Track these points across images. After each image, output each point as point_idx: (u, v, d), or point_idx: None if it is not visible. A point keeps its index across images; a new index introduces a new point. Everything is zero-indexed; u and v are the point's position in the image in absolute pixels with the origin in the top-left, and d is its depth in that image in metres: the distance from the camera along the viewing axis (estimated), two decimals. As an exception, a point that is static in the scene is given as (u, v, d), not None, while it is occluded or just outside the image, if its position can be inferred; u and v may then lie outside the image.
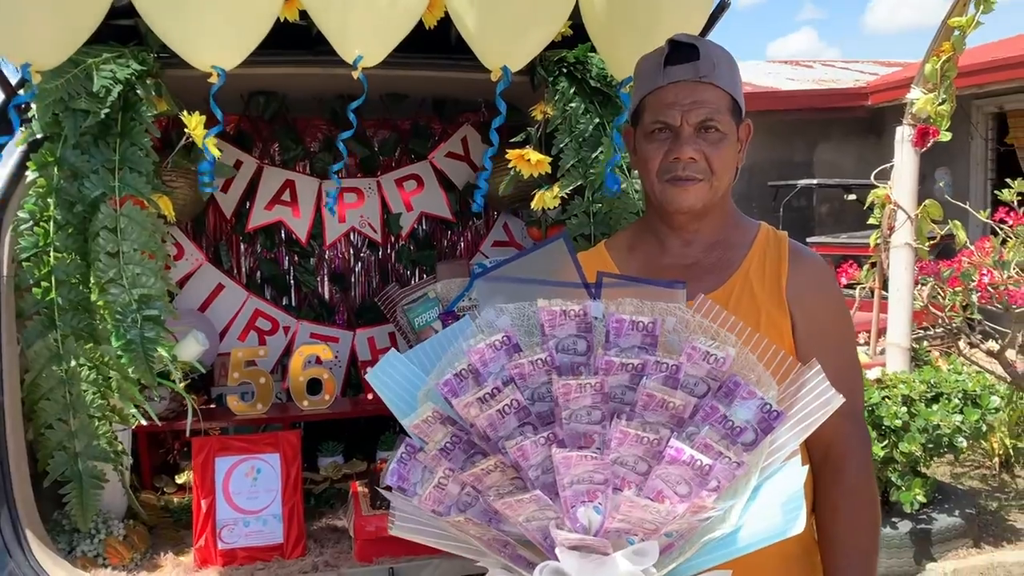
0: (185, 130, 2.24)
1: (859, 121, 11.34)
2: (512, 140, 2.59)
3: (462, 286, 3.16)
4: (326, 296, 3.56)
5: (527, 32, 2.14)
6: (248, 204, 3.38)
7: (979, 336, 5.07)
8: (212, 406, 3.25)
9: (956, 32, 4.49)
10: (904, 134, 4.64)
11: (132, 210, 2.23)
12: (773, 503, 1.11)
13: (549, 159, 2.48)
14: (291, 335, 3.40)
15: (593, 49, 2.53)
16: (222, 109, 2.12)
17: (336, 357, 3.26)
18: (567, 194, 2.58)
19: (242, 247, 3.46)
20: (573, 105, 2.53)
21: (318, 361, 3.15)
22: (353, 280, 3.58)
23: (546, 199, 2.57)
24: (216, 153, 2.15)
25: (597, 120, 2.54)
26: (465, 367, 1.19)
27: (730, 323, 1.21)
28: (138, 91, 2.29)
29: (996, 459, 5.54)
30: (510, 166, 2.54)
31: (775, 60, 13.29)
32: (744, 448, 1.11)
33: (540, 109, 2.60)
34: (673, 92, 1.43)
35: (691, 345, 1.15)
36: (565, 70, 2.53)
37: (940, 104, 4.59)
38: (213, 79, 2.05)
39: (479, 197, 2.43)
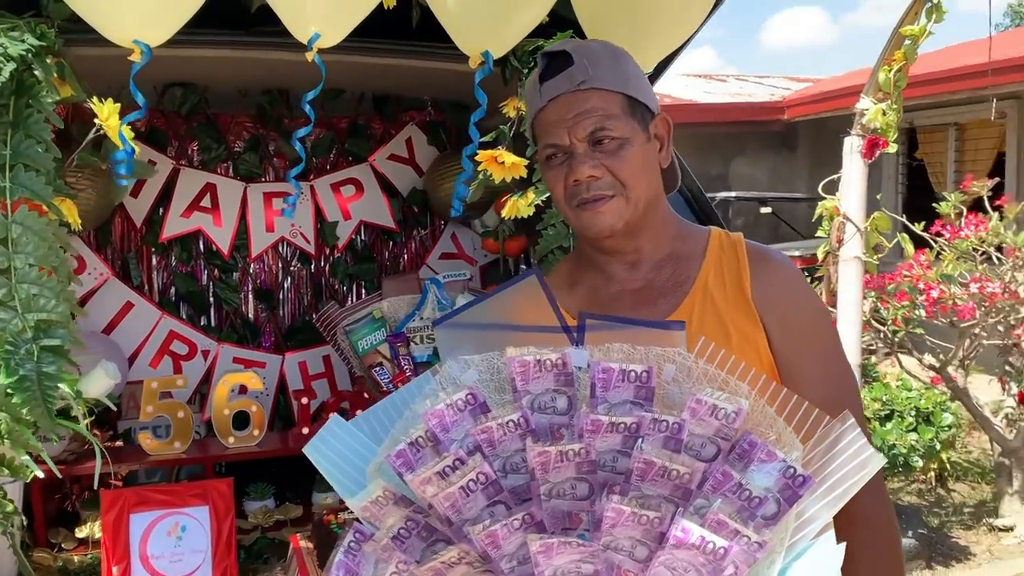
0: (95, 121, 1.86)
1: (773, 135, 11.47)
2: (482, 140, 2.27)
3: (411, 304, 2.82)
4: (251, 315, 3.16)
5: (512, 14, 1.85)
6: (162, 211, 2.96)
7: (905, 350, 5.04)
8: (119, 444, 2.83)
9: (907, 41, 4.40)
10: (853, 145, 4.53)
11: (28, 216, 1.82)
12: None
13: (526, 162, 2.18)
14: (211, 360, 3.00)
15: (573, 38, 2.25)
16: (132, 102, 1.77)
17: (264, 386, 2.87)
18: (542, 202, 2.28)
19: (154, 260, 3.03)
20: (550, 101, 2.23)
21: (243, 391, 2.76)
22: (281, 297, 3.20)
23: (520, 207, 2.26)
24: (134, 146, 1.77)
25: (577, 119, 2.25)
26: (422, 434, 1.01)
27: (740, 369, 1.04)
28: (36, 72, 1.88)
29: (931, 473, 5.51)
30: (480, 169, 2.22)
31: (689, 73, 13.39)
32: (765, 523, 0.95)
33: (513, 105, 2.30)
34: (554, 109, 1.26)
35: (695, 398, 0.99)
36: (542, 62, 2.23)
37: (890, 115, 4.50)
38: (135, 57, 1.70)
39: (457, 202, 2.11)
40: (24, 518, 2.09)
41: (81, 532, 2.53)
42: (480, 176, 2.29)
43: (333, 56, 1.89)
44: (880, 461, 0.99)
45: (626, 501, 0.93)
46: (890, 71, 4.31)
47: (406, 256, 3.30)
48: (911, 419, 4.01)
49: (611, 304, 1.31)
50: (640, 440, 0.98)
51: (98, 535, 2.53)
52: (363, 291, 3.24)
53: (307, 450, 1.10)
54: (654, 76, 2.35)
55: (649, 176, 1.26)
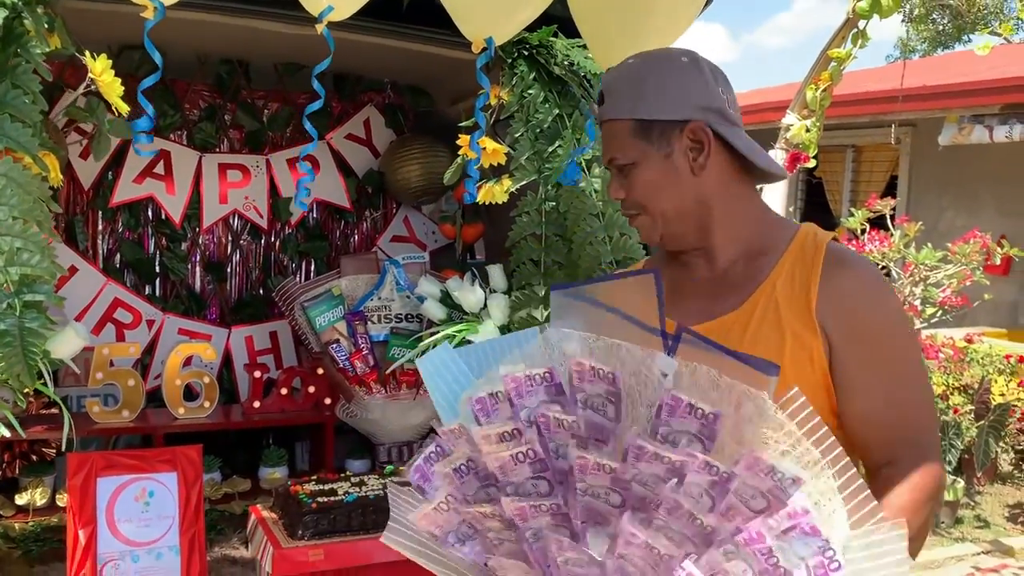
0: (90, 76, 1.82)
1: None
2: (461, 124, 2.32)
3: (369, 284, 2.84)
4: (197, 287, 3.11)
5: (516, 5, 1.90)
6: (112, 175, 2.88)
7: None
8: (54, 412, 2.75)
9: (833, 63, 4.65)
10: (776, 158, 4.76)
11: (12, 168, 1.77)
12: None
13: (506, 149, 2.24)
14: (156, 330, 2.94)
15: (556, 34, 2.33)
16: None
17: (216, 358, 2.83)
18: (516, 190, 2.35)
19: (100, 224, 2.95)
20: (532, 92, 2.31)
21: (187, 363, 2.74)
22: (230, 270, 3.15)
23: (495, 193, 2.31)
24: (147, 107, 1.74)
25: (556, 111, 2.33)
26: (501, 390, 1.02)
27: (821, 433, 0.97)
28: (25, 21, 1.83)
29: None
30: (459, 154, 2.27)
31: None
32: None
33: (495, 93, 2.34)
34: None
35: (754, 455, 0.94)
36: (526, 53, 2.30)
37: (812, 131, 4.74)
38: (148, 14, 1.66)
39: (472, 187, 2.14)
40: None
41: (21, 499, 2.45)
42: (459, 160, 2.33)
43: (299, 30, 1.87)
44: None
45: (646, 527, 0.93)
46: (817, 90, 4.56)
47: (357, 236, 3.31)
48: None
49: (687, 295, 1.33)
50: (674, 481, 0.96)
51: (40, 502, 2.47)
52: (313, 268, 3.23)
53: (419, 363, 1.10)
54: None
55: (673, 190, 1.27)
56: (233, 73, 3.00)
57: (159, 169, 2.93)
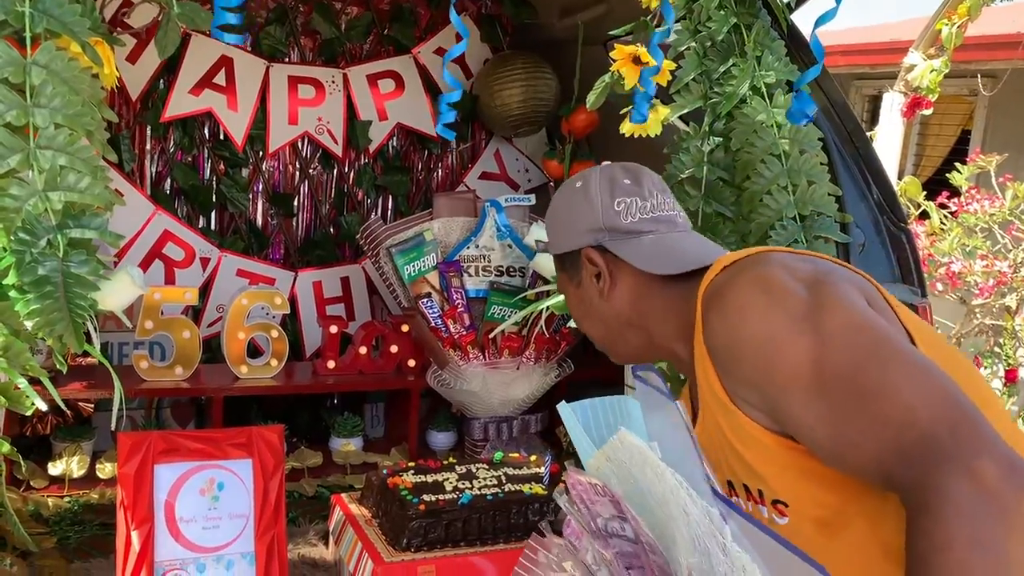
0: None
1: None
2: (613, 32, 1.84)
3: (466, 228, 2.39)
4: (259, 222, 2.67)
5: None
6: (166, 84, 2.43)
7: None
8: (93, 361, 2.34)
9: (971, -5, 4.10)
10: (894, 102, 4.24)
11: (55, 57, 1.34)
12: None
13: (673, 66, 1.77)
14: (211, 270, 2.51)
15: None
16: None
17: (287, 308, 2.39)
18: (675, 120, 1.88)
19: (150, 143, 2.50)
20: (704, -6, 1.82)
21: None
22: (297, 204, 2.71)
23: (648, 123, 1.84)
24: None
25: (733, 20, 1.85)
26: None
27: None
28: None
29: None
30: (612, 69, 1.79)
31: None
32: None
33: (648, -6, 1.86)
34: None
35: None
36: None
37: (937, 73, 4.23)
38: None
39: (643, 112, 1.68)
40: None
41: (55, 468, 2.06)
42: (606, 79, 1.86)
43: None
44: None
45: None
46: (952, 25, 4.02)
47: (441, 171, 2.85)
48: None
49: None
50: None
51: (77, 473, 2.08)
52: (391, 206, 2.78)
53: (561, 408, 0.95)
54: None
55: (594, 313, 1.23)
56: (308, -32, 2.51)
57: (219, 79, 2.47)
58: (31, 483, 2.02)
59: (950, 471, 0.81)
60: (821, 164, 1.85)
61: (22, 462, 1.97)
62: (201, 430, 1.86)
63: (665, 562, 0.83)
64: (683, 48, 1.87)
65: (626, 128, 1.87)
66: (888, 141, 4.25)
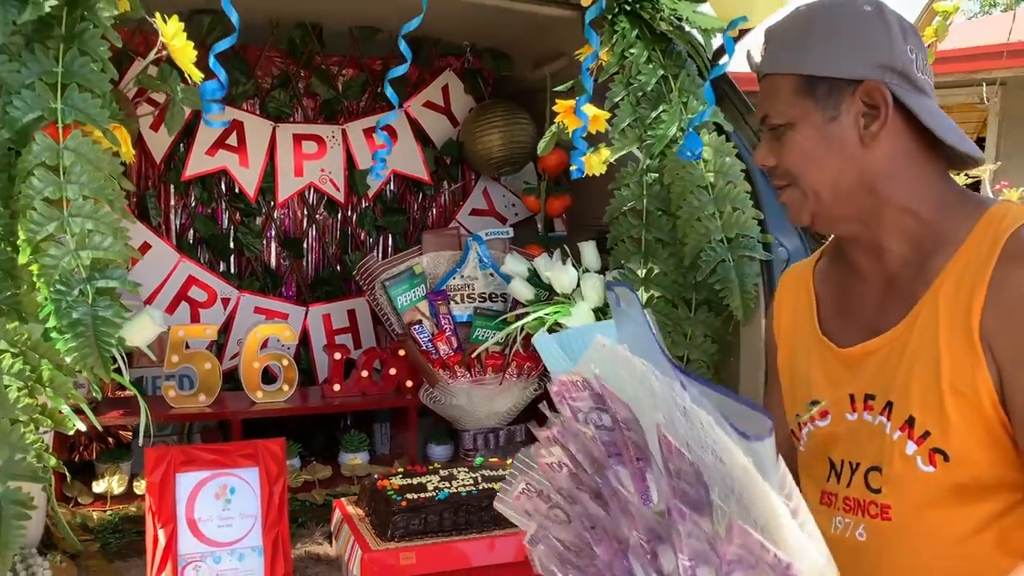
0: (161, 40, 1.68)
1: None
2: (557, 89, 2.13)
3: (451, 261, 2.68)
4: (273, 264, 2.99)
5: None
6: (185, 147, 2.76)
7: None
8: (130, 394, 2.66)
9: (938, 18, 4.32)
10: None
11: (82, 143, 1.64)
12: None
13: (608, 115, 2.05)
14: (231, 308, 2.83)
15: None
16: (153, 28, 1.60)
17: (295, 339, 2.70)
18: (615, 160, 2.15)
19: (173, 199, 2.84)
20: (634, 52, 2.10)
21: (264, 345, 2.61)
22: (306, 246, 3.02)
23: (592, 163, 2.12)
24: (219, 73, 1.60)
25: (661, 72, 2.12)
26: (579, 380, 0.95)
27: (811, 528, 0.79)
28: (92, -19, 1.69)
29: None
30: (555, 121, 2.08)
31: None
32: None
33: (590, 52, 2.14)
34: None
35: (740, 526, 0.80)
36: (628, 8, 2.09)
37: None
38: (225, -31, 1.50)
39: (579, 160, 1.95)
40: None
41: (98, 486, 2.37)
42: (552, 129, 2.14)
43: None
44: None
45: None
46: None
47: (435, 210, 3.15)
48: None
49: (854, 305, 1.16)
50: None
51: (118, 490, 2.38)
52: (391, 244, 3.08)
53: (536, 341, 1.04)
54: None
55: (831, 160, 1.08)
56: (307, 38, 2.85)
57: (232, 140, 2.80)
58: (78, 499, 2.33)
59: None
60: (745, 192, 2.11)
61: (70, 480, 2.30)
62: (214, 444, 2.15)
63: (641, 439, 0.90)
64: (618, 99, 2.14)
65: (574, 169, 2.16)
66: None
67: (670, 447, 0.83)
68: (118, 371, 1.76)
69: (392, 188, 3.07)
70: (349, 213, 3.04)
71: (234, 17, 1.51)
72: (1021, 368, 0.96)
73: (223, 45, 1.54)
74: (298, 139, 2.87)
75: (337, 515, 2.08)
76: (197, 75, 1.74)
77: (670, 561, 0.87)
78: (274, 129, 2.85)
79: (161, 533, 1.81)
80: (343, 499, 2.14)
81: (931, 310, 1.04)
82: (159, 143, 2.74)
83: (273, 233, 2.97)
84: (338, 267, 3.03)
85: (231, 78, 2.81)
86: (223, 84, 1.58)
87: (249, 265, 2.94)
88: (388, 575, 1.82)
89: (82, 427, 1.77)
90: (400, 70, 1.70)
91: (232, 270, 2.92)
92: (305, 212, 3.00)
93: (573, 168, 2.12)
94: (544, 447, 0.99)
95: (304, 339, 2.89)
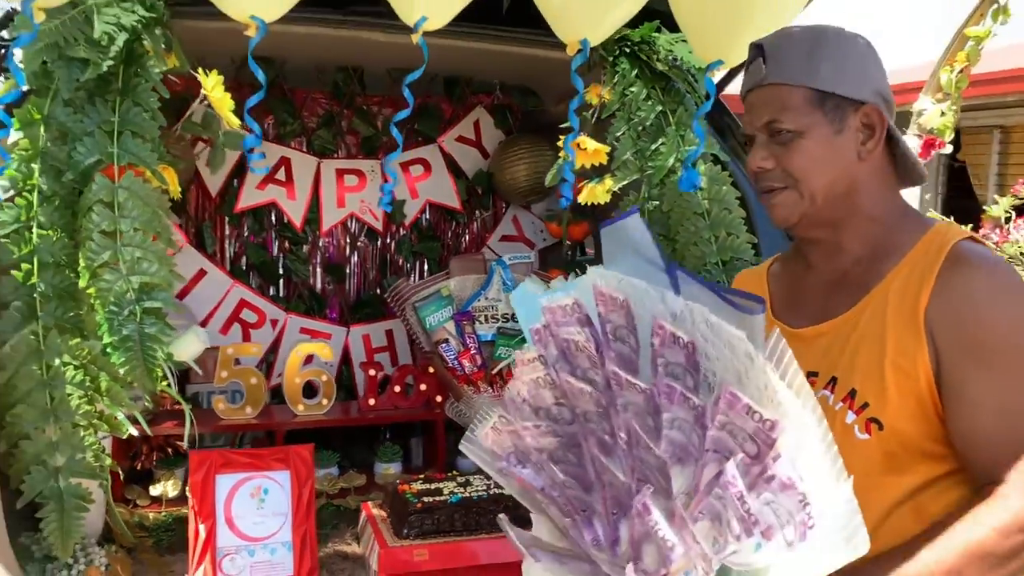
0: (202, 91, 1.92)
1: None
2: (562, 126, 2.31)
3: (477, 284, 2.87)
4: (318, 287, 3.23)
5: (612, 5, 1.86)
6: (237, 182, 3.03)
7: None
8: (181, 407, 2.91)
9: (971, 42, 4.36)
10: (909, 144, 4.49)
11: (133, 182, 1.88)
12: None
13: (608, 148, 2.22)
14: (279, 329, 3.07)
15: (659, 29, 2.27)
16: (208, 74, 1.83)
17: (333, 356, 2.93)
18: (619, 189, 2.32)
19: (227, 229, 3.11)
20: (633, 90, 2.27)
21: (308, 361, 2.84)
22: (348, 271, 3.26)
23: (596, 193, 2.29)
24: (253, 127, 1.83)
25: (659, 108, 2.28)
26: (569, 304, 1.13)
27: (798, 382, 0.95)
28: (145, 42, 1.95)
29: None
30: (559, 156, 2.25)
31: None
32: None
33: (596, 92, 2.33)
34: (748, 101, 1.31)
35: (730, 391, 0.94)
36: (627, 50, 2.26)
37: (947, 116, 4.46)
38: (251, 32, 1.73)
39: (567, 190, 2.13)
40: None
41: (155, 490, 2.61)
42: (559, 161, 2.32)
43: (408, 38, 1.90)
44: (860, 551, 0.88)
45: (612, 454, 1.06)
46: (952, 71, 4.28)
47: (468, 236, 3.35)
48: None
49: (806, 293, 1.31)
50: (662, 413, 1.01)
51: (172, 494, 2.62)
52: (426, 268, 3.29)
53: (512, 297, 1.29)
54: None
55: (833, 169, 1.22)
56: (349, 80, 3.09)
57: (280, 175, 3.05)
58: (137, 502, 2.58)
59: None
60: (740, 218, 2.25)
61: (129, 485, 2.55)
62: (251, 449, 2.37)
63: (629, 348, 1.07)
64: (619, 133, 2.31)
65: (582, 197, 2.33)
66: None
67: (664, 335, 0.99)
68: (168, 384, 1.99)
69: (427, 217, 3.29)
70: (388, 240, 3.27)
71: (260, 76, 1.73)
72: (957, 355, 1.12)
73: (252, 101, 1.75)
74: (340, 173, 3.11)
75: (363, 516, 2.28)
76: (234, 122, 1.97)
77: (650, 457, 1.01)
78: (319, 164, 3.09)
79: (202, 528, 2.03)
80: (369, 503, 2.34)
81: (881, 299, 1.20)
82: (214, 178, 3.01)
83: (318, 259, 3.21)
84: (378, 290, 3.25)
85: (280, 119, 3.09)
86: (257, 135, 1.79)
87: (296, 289, 3.18)
88: (402, 570, 2.01)
89: (134, 432, 2.02)
90: (403, 114, 1.90)
91: (280, 294, 3.16)
92: (347, 240, 3.24)
93: (562, 198, 2.30)
94: (525, 368, 1.14)
95: (346, 357, 3.11)
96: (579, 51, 1.87)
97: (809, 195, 1.23)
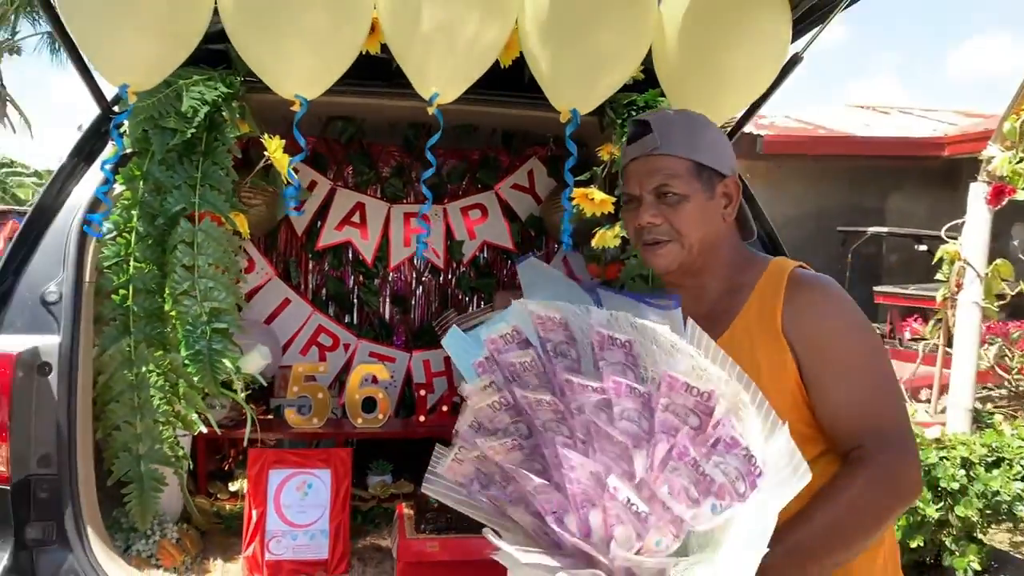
0: (264, 152, 2.34)
1: (933, 171, 11.09)
2: (577, 179, 2.63)
3: (519, 317, 3.20)
4: (387, 316, 3.64)
5: (599, 76, 2.17)
6: (319, 223, 3.48)
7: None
8: (270, 417, 3.35)
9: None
10: (978, 191, 4.55)
11: (209, 226, 2.32)
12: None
13: (613, 199, 2.51)
14: (351, 352, 3.48)
15: (663, 95, 2.56)
16: (301, 131, 2.21)
17: (392, 377, 3.32)
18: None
19: (310, 264, 3.56)
20: (640, 148, 2.56)
21: (374, 380, 3.23)
22: (413, 303, 3.66)
23: (607, 238, 2.60)
24: (296, 176, 2.23)
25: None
26: (510, 332, 1.33)
27: (720, 356, 1.19)
28: (223, 112, 2.39)
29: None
30: (574, 204, 2.57)
31: (854, 104, 13.15)
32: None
33: (607, 150, 2.64)
34: (633, 167, 1.54)
35: (669, 375, 1.12)
36: (634, 113, 2.56)
37: (1018, 163, 4.49)
38: (295, 107, 2.13)
39: (567, 237, 2.45)
40: (191, 464, 2.60)
41: (233, 486, 3.06)
42: (574, 210, 2.64)
43: (456, 105, 2.25)
44: (806, 479, 1.08)
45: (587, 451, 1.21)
46: (1017, 120, 4.33)
47: (523, 274, 3.69)
48: (1020, 468, 4.01)
49: None
50: (615, 408, 1.18)
51: (246, 489, 3.06)
52: (482, 302, 3.65)
53: (444, 342, 1.53)
54: (739, 124, 2.63)
55: (706, 227, 1.48)
56: (418, 135, 3.50)
57: (356, 218, 3.49)
58: (218, 495, 3.03)
59: (901, 450, 1.32)
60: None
61: (194, 472, 2.99)
62: (299, 449, 2.76)
63: (571, 361, 1.23)
64: (626, 184, 2.61)
65: (595, 242, 2.64)
66: (976, 228, 4.52)
67: (603, 338, 1.19)
68: (229, 387, 2.41)
69: (484, 256, 3.65)
70: (449, 276, 3.65)
71: (301, 142, 2.12)
72: (810, 356, 1.39)
73: (295, 160, 2.14)
74: (408, 216, 3.52)
75: (396, 515, 2.64)
76: (292, 178, 2.38)
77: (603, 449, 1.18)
78: (389, 209, 3.51)
79: (255, 513, 2.44)
80: (404, 503, 2.69)
81: (745, 320, 1.46)
82: (300, 220, 3.47)
83: (387, 292, 3.62)
84: (440, 321, 3.63)
85: (358, 169, 3.53)
86: (296, 188, 2.18)
87: (367, 318, 3.60)
88: (416, 559, 2.34)
89: (204, 429, 2.44)
90: (428, 173, 2.24)
91: (353, 321, 3.58)
92: (413, 275, 3.64)
93: (596, 240, 2.61)
94: (476, 398, 1.31)
95: (408, 379, 3.49)
96: (569, 119, 2.19)
97: (688, 247, 1.48)
